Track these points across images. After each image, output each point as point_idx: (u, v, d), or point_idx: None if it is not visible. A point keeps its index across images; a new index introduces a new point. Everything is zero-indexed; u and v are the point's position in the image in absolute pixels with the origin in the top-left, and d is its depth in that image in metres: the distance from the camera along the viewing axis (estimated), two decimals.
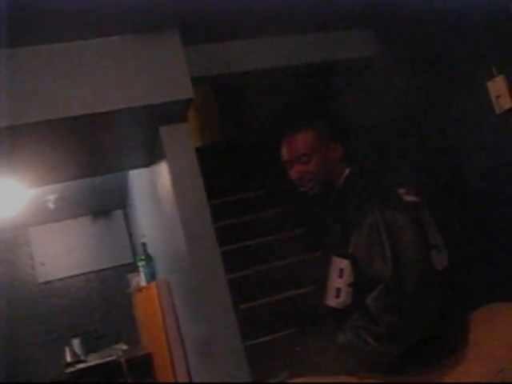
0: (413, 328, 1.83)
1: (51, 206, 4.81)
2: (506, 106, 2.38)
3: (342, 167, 2.10)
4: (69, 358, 5.00)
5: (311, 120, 2.16)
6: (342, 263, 1.93)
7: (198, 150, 2.83)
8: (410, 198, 2.00)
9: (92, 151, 3.21)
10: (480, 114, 2.56)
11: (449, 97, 2.77)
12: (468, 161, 2.73)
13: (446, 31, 2.69)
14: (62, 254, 5.74)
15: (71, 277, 5.78)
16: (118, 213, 6.09)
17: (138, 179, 4.30)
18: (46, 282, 5.69)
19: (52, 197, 4.71)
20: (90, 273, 5.85)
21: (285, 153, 2.13)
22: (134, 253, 5.70)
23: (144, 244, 4.42)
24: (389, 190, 2.04)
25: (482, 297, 2.34)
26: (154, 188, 3.44)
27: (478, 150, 2.64)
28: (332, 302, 1.95)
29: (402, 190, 2.02)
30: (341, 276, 1.92)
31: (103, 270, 5.88)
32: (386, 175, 2.23)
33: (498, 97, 2.41)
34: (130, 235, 6.00)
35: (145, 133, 2.94)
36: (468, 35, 2.54)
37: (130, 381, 4.60)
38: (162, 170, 2.94)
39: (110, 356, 4.93)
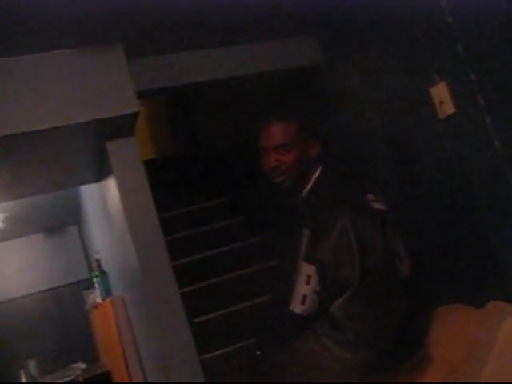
0: (379, 334, 1.84)
1: (0, 224, 4.69)
2: (449, 112, 2.43)
3: (315, 166, 2.09)
4: (24, 381, 4.85)
5: (295, 113, 2.15)
6: (310, 269, 1.92)
7: (150, 161, 2.81)
8: (377, 206, 2.01)
9: (40, 168, 3.14)
10: (425, 119, 2.60)
11: (394, 103, 2.82)
12: (416, 167, 2.77)
13: (389, 39, 2.73)
14: (15, 272, 5.61)
15: (25, 296, 5.65)
16: (72, 229, 6.01)
17: (90, 194, 4.23)
18: None
19: (1, 215, 4.61)
20: (44, 291, 5.73)
21: (264, 139, 2.07)
22: (90, 269, 5.60)
23: (98, 260, 4.34)
24: (359, 196, 2.03)
25: (437, 299, 2.37)
26: (105, 203, 3.40)
27: (423, 156, 2.68)
28: (297, 308, 1.95)
29: (371, 197, 2.02)
30: (308, 282, 1.92)
31: (58, 287, 5.78)
32: (356, 179, 2.20)
33: (441, 102, 2.45)
34: (85, 251, 5.90)
35: (92, 148, 2.89)
36: (410, 43, 2.58)
37: None
38: (111, 184, 2.90)
39: (68, 376, 4.79)
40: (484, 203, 2.37)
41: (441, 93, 2.45)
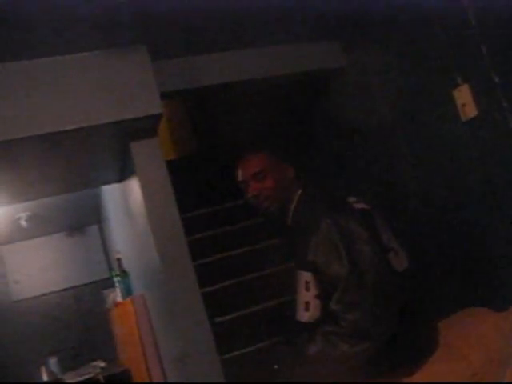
0: (377, 323, 1.88)
1: (24, 223, 4.75)
2: (471, 114, 2.43)
3: (295, 188, 2.17)
4: (45, 378, 4.90)
5: (261, 146, 2.26)
6: (307, 276, 1.98)
7: (171, 162, 2.83)
8: (360, 206, 2.11)
9: (63, 168, 3.18)
10: (447, 122, 2.60)
11: (416, 106, 2.82)
12: (435, 168, 2.77)
13: (413, 42, 2.73)
14: (37, 271, 5.67)
15: (46, 294, 5.69)
16: (93, 228, 6.04)
17: (112, 194, 4.27)
18: (21, 300, 5.60)
19: (24, 214, 4.66)
20: (65, 289, 5.77)
21: (240, 173, 2.21)
22: (110, 268, 5.65)
23: (119, 259, 4.38)
24: (339, 200, 2.15)
25: (459, 301, 2.37)
26: (127, 203, 3.43)
27: (445, 158, 2.68)
28: (303, 316, 2.00)
29: (351, 199, 2.14)
30: (307, 289, 1.98)
31: (79, 286, 5.81)
32: (336, 188, 2.32)
33: (464, 105, 2.45)
34: (106, 250, 5.94)
35: (115, 149, 2.93)
36: (433, 46, 2.58)
37: None
38: (134, 185, 2.93)
39: (88, 374, 4.82)
40: (507, 205, 2.36)
41: (463, 95, 2.44)
